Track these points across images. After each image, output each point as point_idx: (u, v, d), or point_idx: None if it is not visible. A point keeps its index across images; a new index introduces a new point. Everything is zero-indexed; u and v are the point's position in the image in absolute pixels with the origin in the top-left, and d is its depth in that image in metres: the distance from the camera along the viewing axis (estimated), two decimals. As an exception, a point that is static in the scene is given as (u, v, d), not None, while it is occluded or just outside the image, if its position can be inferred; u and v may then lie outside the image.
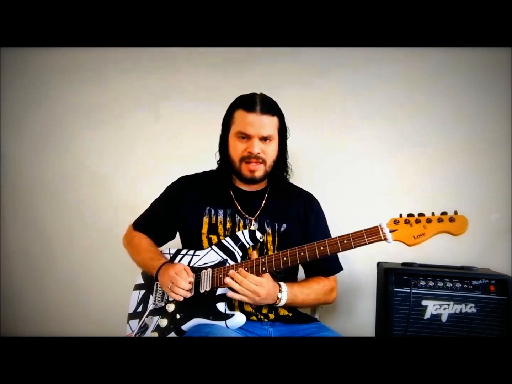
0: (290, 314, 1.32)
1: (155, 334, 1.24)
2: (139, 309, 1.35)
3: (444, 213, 1.09)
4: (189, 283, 1.22)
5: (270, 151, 1.32)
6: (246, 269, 1.20)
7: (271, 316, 1.29)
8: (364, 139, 1.86)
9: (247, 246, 1.29)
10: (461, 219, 1.08)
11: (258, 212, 1.37)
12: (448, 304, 1.42)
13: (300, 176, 1.50)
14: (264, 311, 1.30)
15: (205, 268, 1.28)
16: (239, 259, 1.28)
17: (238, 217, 1.35)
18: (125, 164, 2.12)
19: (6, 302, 2.22)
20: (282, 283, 1.24)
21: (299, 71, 1.94)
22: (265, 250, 1.32)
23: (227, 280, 1.17)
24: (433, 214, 1.10)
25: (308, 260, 1.16)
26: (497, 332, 1.37)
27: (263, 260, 1.20)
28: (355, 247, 1.12)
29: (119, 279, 1.84)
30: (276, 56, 1.94)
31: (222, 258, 1.29)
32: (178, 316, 1.24)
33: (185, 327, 1.22)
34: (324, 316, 1.61)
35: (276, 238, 1.33)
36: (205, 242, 1.34)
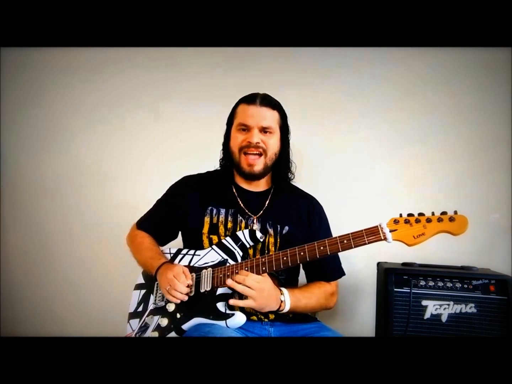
0: (290, 314, 1.32)
1: (156, 334, 1.24)
2: (140, 309, 1.35)
3: (444, 213, 1.09)
4: (187, 286, 1.22)
5: (271, 143, 1.33)
6: (246, 268, 1.20)
7: (271, 316, 1.29)
8: (365, 139, 1.86)
9: (247, 246, 1.29)
10: (461, 218, 1.08)
11: (261, 212, 1.37)
12: (448, 304, 1.42)
13: (300, 176, 1.50)
14: (264, 310, 1.30)
15: (206, 268, 1.28)
16: (239, 259, 1.28)
17: (240, 217, 1.35)
18: (125, 164, 2.12)
19: (6, 302, 2.21)
20: (282, 288, 1.24)
21: (299, 71, 1.94)
22: (266, 251, 1.32)
23: (229, 282, 1.17)
24: (433, 214, 1.10)
25: (308, 260, 1.16)
26: (497, 332, 1.37)
27: (263, 259, 1.20)
28: (355, 246, 1.12)
29: (119, 279, 1.84)
30: (276, 56, 1.94)
31: (223, 258, 1.29)
32: (178, 315, 1.24)
33: (185, 326, 1.22)
34: (324, 316, 1.61)
35: (278, 240, 1.33)
36: (205, 242, 1.34)
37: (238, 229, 1.34)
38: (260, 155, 1.32)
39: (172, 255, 1.37)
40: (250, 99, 1.34)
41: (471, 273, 1.46)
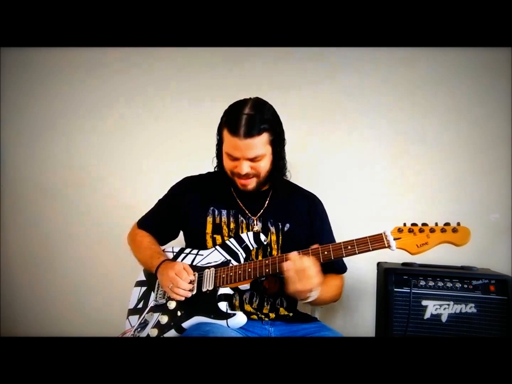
0: (291, 314, 1.32)
1: (155, 330, 1.24)
2: (140, 305, 1.36)
3: (447, 224, 1.11)
4: (190, 282, 1.23)
5: (262, 166, 1.28)
6: (249, 270, 1.21)
7: (272, 315, 1.29)
8: (365, 139, 1.86)
9: (251, 248, 1.30)
10: (463, 230, 1.10)
11: (261, 211, 1.37)
12: (448, 304, 1.42)
13: (301, 177, 1.50)
14: (265, 310, 1.30)
15: (208, 267, 1.28)
16: (242, 260, 1.28)
17: (241, 218, 1.36)
18: (125, 164, 2.12)
19: (6, 302, 2.22)
20: None
21: (299, 71, 1.94)
22: (268, 250, 1.33)
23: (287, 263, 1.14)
24: (436, 224, 1.12)
25: None
26: (497, 332, 1.37)
27: (266, 262, 1.21)
28: (359, 253, 1.14)
29: (119, 279, 1.84)
30: (276, 56, 1.94)
31: (226, 258, 1.29)
32: (179, 313, 1.25)
33: (185, 324, 1.22)
34: (324, 316, 1.61)
35: (280, 238, 1.34)
36: (209, 242, 1.34)
37: (240, 229, 1.34)
38: (252, 177, 1.30)
39: (175, 254, 1.38)
40: (233, 129, 1.22)
41: (471, 273, 1.46)
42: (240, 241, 1.31)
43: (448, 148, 1.78)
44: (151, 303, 1.31)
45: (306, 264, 1.12)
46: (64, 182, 2.18)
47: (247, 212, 1.37)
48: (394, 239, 1.11)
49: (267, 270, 1.20)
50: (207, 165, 1.47)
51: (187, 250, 1.37)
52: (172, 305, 1.26)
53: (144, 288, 1.39)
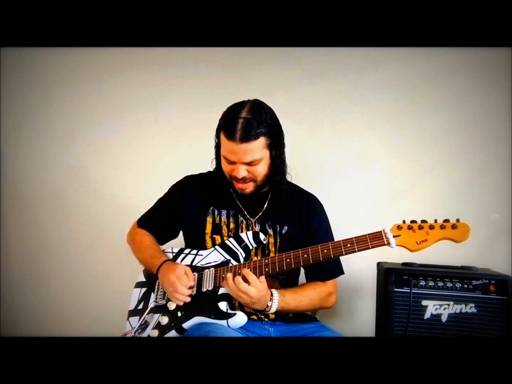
0: (290, 314, 1.32)
1: (156, 331, 1.24)
2: (140, 306, 1.35)
3: (446, 220, 1.11)
4: (189, 288, 1.23)
5: (259, 170, 1.27)
6: (248, 269, 1.21)
7: (272, 315, 1.29)
8: (365, 139, 1.86)
9: (251, 247, 1.30)
10: (463, 226, 1.09)
11: (260, 214, 1.37)
12: (448, 304, 1.42)
13: (300, 176, 1.49)
14: (265, 310, 1.30)
15: (208, 267, 1.28)
16: (241, 260, 1.28)
17: (241, 218, 1.36)
18: (125, 164, 2.12)
19: (6, 302, 2.21)
20: (274, 291, 1.24)
21: (299, 71, 1.94)
22: (266, 251, 1.33)
23: (228, 275, 1.19)
24: (435, 221, 1.12)
25: (311, 262, 1.17)
26: (497, 332, 1.37)
27: (266, 261, 1.21)
28: (358, 251, 1.14)
29: (119, 279, 1.84)
30: (276, 56, 1.94)
31: (225, 258, 1.29)
32: (179, 314, 1.25)
33: (186, 325, 1.22)
34: (324, 316, 1.61)
35: (278, 240, 1.33)
36: (208, 242, 1.34)
37: (240, 229, 1.34)
38: (249, 181, 1.30)
39: (174, 254, 1.38)
40: (229, 133, 1.21)
41: (471, 273, 1.46)
42: (240, 241, 1.31)
43: (448, 148, 1.78)
44: (151, 304, 1.31)
45: (237, 283, 1.16)
46: (64, 182, 2.17)
47: (246, 213, 1.37)
48: (394, 236, 1.11)
49: (266, 270, 1.20)
50: (207, 166, 1.47)
51: (187, 251, 1.36)
52: (172, 306, 1.26)
53: (144, 289, 1.39)
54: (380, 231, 1.13)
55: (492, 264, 1.60)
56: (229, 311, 1.21)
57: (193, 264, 1.32)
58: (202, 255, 1.33)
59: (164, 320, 1.25)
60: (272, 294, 1.23)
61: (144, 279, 1.42)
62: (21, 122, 2.23)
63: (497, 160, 1.72)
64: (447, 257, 1.62)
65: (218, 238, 1.34)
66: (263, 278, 1.19)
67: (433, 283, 1.44)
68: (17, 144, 2.24)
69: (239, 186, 1.31)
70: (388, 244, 1.11)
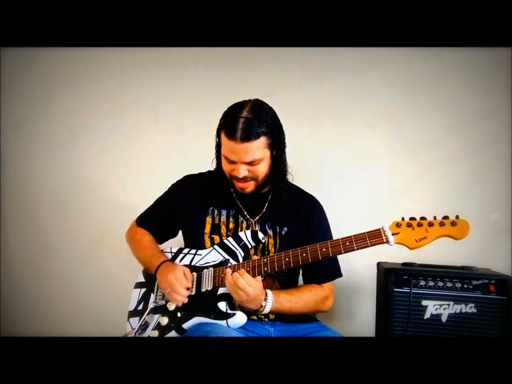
0: (289, 315, 1.32)
1: (156, 332, 1.24)
2: (140, 307, 1.35)
3: (445, 217, 1.10)
4: (188, 289, 1.23)
5: (260, 169, 1.27)
6: (248, 269, 1.20)
7: (272, 315, 1.29)
8: (365, 139, 1.86)
9: (249, 246, 1.30)
10: (462, 223, 1.08)
11: (260, 214, 1.37)
12: (448, 304, 1.42)
13: (300, 176, 1.50)
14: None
15: (207, 267, 1.28)
16: (240, 259, 1.28)
17: (241, 218, 1.36)
18: (125, 164, 2.12)
19: (6, 302, 2.21)
20: (268, 291, 1.24)
21: (299, 71, 1.94)
22: (266, 252, 1.33)
23: (227, 270, 1.20)
24: (435, 218, 1.10)
25: (310, 261, 1.17)
26: (497, 332, 1.37)
27: (265, 260, 1.20)
28: (357, 249, 1.13)
29: (119, 279, 1.84)
30: (276, 56, 1.94)
31: (224, 257, 1.29)
32: (179, 314, 1.25)
33: (186, 325, 1.22)
34: (324, 316, 1.61)
35: (277, 241, 1.33)
36: (207, 242, 1.34)
37: (239, 229, 1.34)
38: (250, 180, 1.30)
39: (173, 254, 1.38)
40: (230, 132, 1.21)
41: (471, 273, 1.46)
42: (238, 240, 1.30)
43: (448, 148, 1.78)
44: (151, 304, 1.31)
45: (236, 277, 1.15)
46: (64, 182, 2.17)
47: (246, 214, 1.37)
48: (393, 234, 1.10)
49: (265, 269, 1.20)
50: (207, 166, 1.47)
51: (186, 250, 1.36)
52: (172, 306, 1.26)
53: (143, 290, 1.39)
54: (379, 229, 1.12)
55: (492, 264, 1.60)
56: (229, 311, 1.21)
57: (192, 263, 1.32)
58: (201, 254, 1.33)
59: (164, 320, 1.25)
60: (266, 294, 1.23)
61: (143, 280, 1.42)
62: (21, 122, 2.23)
63: (497, 160, 1.72)
64: (447, 257, 1.63)
65: (217, 238, 1.34)
66: (259, 278, 1.19)
67: (433, 283, 1.44)
68: (17, 144, 2.24)
69: (240, 186, 1.31)
70: (387, 242, 1.10)
